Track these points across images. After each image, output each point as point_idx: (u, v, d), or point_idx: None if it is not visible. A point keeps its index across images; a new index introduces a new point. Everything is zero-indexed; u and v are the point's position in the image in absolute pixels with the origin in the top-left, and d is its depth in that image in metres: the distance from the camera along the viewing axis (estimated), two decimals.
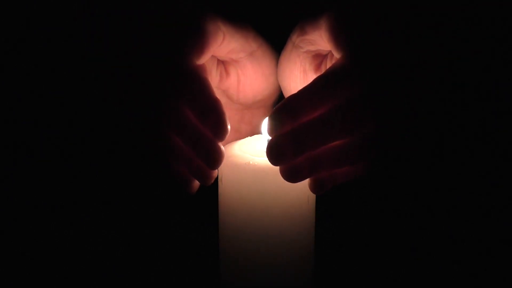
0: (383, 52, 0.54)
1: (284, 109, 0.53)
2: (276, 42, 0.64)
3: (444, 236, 0.73)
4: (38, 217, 0.75)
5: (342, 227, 0.75)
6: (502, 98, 0.70)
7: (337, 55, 0.55)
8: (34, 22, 0.71)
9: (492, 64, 0.68)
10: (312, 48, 0.60)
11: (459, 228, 0.73)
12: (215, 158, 0.54)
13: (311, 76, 0.61)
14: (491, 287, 0.69)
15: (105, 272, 0.70)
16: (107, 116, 0.73)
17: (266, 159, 0.54)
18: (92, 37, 0.64)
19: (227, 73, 0.64)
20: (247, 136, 0.63)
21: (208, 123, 0.54)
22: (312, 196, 0.59)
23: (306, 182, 0.56)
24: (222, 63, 0.63)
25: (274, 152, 0.53)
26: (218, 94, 0.57)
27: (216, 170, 0.56)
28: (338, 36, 0.55)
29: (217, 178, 0.57)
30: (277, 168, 0.54)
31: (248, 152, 0.59)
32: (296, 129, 0.53)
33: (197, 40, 0.57)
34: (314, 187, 0.55)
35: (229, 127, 0.54)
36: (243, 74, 0.64)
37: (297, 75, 0.62)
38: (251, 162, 0.57)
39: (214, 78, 0.63)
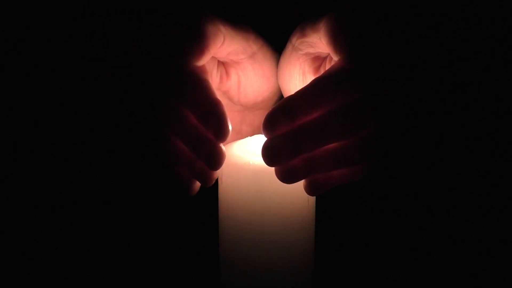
0: (382, 53, 0.54)
1: (280, 110, 0.52)
2: (277, 44, 0.64)
3: (444, 236, 0.73)
4: (38, 217, 0.75)
5: (342, 228, 0.75)
6: (502, 98, 0.70)
7: (335, 58, 0.55)
8: (34, 22, 0.71)
9: (492, 64, 0.68)
10: (311, 50, 0.60)
11: (459, 228, 0.73)
12: (217, 159, 0.54)
13: (310, 79, 0.61)
14: (491, 287, 0.69)
15: (105, 272, 0.70)
16: (107, 117, 0.72)
17: None
18: (92, 37, 0.64)
19: (228, 74, 0.63)
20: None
21: (209, 125, 0.54)
22: (312, 196, 0.59)
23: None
24: (223, 64, 0.63)
25: (269, 153, 0.52)
26: (219, 95, 0.57)
27: (217, 171, 0.56)
28: (337, 38, 0.55)
29: (217, 178, 0.57)
30: None
31: (248, 152, 0.59)
32: (293, 130, 0.52)
33: (197, 42, 0.57)
34: (308, 189, 0.55)
35: (230, 128, 0.54)
36: (243, 75, 0.63)
37: (297, 77, 0.62)
38: (251, 162, 0.57)
39: (214, 80, 0.63)
